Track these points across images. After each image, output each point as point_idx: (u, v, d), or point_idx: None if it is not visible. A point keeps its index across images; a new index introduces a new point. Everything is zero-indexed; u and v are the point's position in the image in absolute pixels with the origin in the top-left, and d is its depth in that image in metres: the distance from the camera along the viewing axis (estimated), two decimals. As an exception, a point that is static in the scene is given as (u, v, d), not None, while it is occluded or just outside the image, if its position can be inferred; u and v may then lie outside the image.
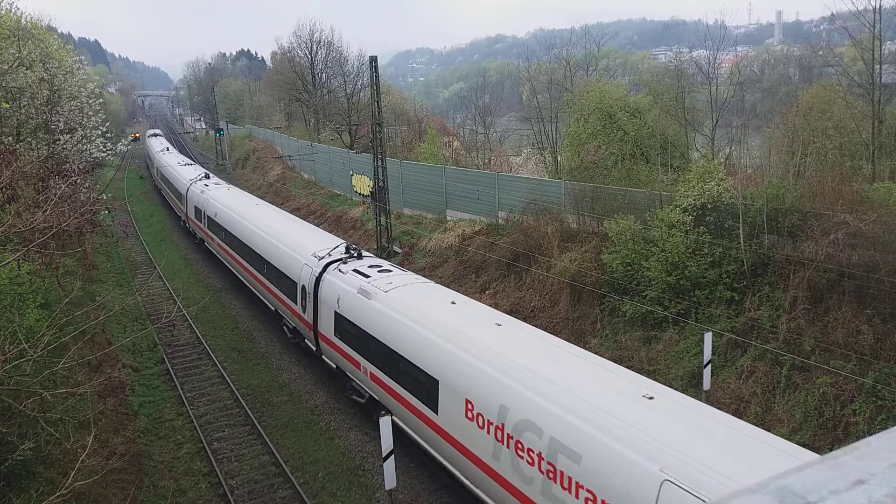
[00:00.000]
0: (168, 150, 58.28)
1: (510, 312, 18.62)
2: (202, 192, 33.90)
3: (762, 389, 15.14)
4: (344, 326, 17.14)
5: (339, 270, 18.18)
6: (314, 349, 19.75)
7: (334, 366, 18.41)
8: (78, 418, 13.28)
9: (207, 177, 37.99)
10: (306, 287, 19.38)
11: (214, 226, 30.67)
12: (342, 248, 19.76)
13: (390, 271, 17.74)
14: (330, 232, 28.76)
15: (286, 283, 21.12)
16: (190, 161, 50.72)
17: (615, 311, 19.49)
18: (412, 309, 14.88)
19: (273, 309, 23.35)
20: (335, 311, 17.52)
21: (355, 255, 19.15)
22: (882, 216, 15.05)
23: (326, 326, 18.23)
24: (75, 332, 12.97)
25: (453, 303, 15.16)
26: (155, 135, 75.19)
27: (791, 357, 15.04)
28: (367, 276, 17.18)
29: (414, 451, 14.99)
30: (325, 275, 18.51)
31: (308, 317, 19.41)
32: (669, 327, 18.03)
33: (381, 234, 31.26)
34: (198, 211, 34.05)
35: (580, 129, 25.35)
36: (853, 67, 25.38)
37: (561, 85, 36.27)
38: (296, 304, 20.28)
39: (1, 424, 10.99)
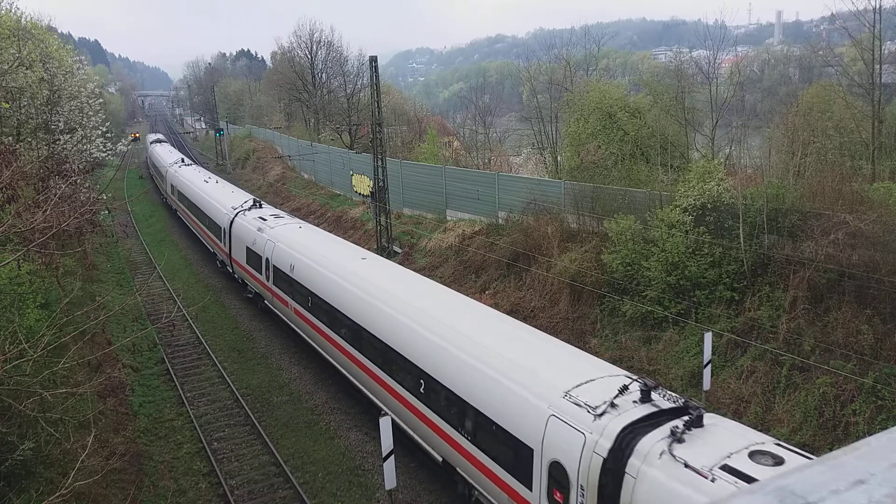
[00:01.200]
0: (184, 161, 47.21)
1: (510, 313, 18.59)
2: (260, 229, 24.24)
3: (762, 389, 15.14)
4: None
5: (689, 465, 8.24)
6: None
7: None
8: (78, 418, 13.28)
9: (258, 204, 27.97)
10: (570, 473, 9.63)
11: (291, 286, 20.83)
12: (632, 388, 9.85)
13: None
14: (330, 231, 28.51)
15: (497, 440, 11.35)
16: (211, 175, 40.76)
17: (615, 311, 19.49)
18: None
19: (440, 459, 13.58)
20: None
21: (687, 415, 9.13)
22: (882, 216, 15.05)
23: None
24: (75, 332, 12.97)
25: None
26: (159, 140, 64.72)
27: (791, 357, 15.04)
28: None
29: (414, 450, 14.99)
30: (637, 464, 8.68)
31: None
32: (669, 327, 18.03)
33: (381, 234, 31.28)
34: (253, 256, 24.52)
35: (580, 129, 25.35)
36: (853, 67, 25.38)
37: (561, 85, 36.28)
38: (528, 489, 10.60)
39: (1, 424, 11.00)
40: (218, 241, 29.74)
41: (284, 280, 21.41)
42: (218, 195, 32.33)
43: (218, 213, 29.83)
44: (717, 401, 15.06)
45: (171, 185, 43.65)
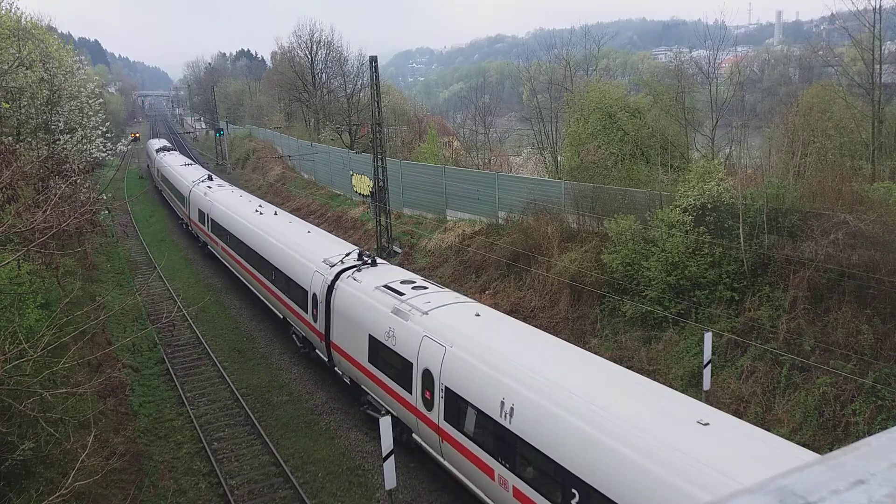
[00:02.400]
0: (212, 179, 37.11)
1: (510, 312, 18.60)
2: (398, 311, 15.06)
3: (762, 389, 15.14)
4: None
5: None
6: None
7: None
8: (78, 418, 13.29)
9: (370, 260, 18.62)
10: None
11: (501, 442, 11.41)
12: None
13: None
14: (330, 232, 28.46)
15: None
16: (262, 202, 31.21)
17: (615, 311, 19.48)
18: None
19: None
20: None
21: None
22: (882, 216, 15.05)
23: None
24: (75, 332, 12.97)
25: None
26: (166, 148, 57.13)
27: (791, 357, 15.04)
28: None
29: (414, 450, 14.98)
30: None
31: None
32: (669, 327, 18.03)
33: (381, 234, 31.27)
34: (387, 355, 15.24)
35: (580, 129, 25.35)
36: (853, 67, 25.38)
37: (561, 85, 36.27)
38: None
39: (1, 424, 11.00)
40: (300, 312, 20.26)
41: (482, 426, 11.87)
42: (295, 240, 22.52)
43: (300, 269, 20.34)
44: (717, 400, 15.04)
45: (200, 212, 33.50)
